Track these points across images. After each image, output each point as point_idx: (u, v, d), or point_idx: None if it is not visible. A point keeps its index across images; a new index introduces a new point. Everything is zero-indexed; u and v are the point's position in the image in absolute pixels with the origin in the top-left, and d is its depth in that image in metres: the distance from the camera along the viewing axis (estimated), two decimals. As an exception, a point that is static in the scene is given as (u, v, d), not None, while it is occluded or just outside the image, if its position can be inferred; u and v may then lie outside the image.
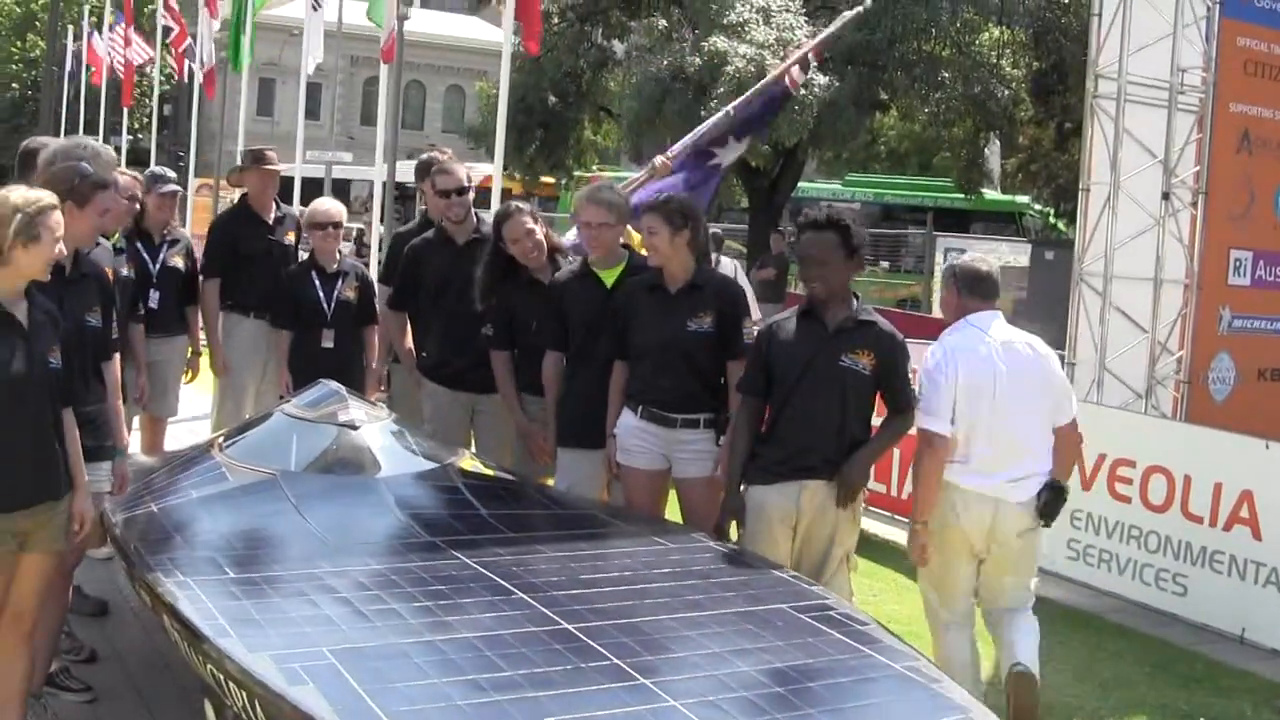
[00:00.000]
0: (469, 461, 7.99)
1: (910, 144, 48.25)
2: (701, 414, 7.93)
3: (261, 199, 11.16)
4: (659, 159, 11.16)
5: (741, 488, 7.52)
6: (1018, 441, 7.57)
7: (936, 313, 29.66)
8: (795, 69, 11.85)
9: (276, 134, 61.74)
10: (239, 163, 12.38)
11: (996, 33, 29.31)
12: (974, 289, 7.75)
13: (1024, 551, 7.76)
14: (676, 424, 7.92)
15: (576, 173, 34.06)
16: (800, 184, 34.59)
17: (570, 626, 5.50)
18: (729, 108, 11.80)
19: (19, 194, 6.20)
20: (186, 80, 41.20)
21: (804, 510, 7.32)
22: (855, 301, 7.42)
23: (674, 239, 7.87)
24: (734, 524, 7.52)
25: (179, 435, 10.91)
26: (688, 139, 11.96)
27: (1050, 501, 7.62)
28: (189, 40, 38.64)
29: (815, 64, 12.12)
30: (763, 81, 12.20)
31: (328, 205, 10.62)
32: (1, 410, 6.05)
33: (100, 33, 49.53)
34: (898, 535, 11.14)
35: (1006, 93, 28.01)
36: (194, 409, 11.74)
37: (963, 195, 35.16)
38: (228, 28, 30.11)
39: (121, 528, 6.96)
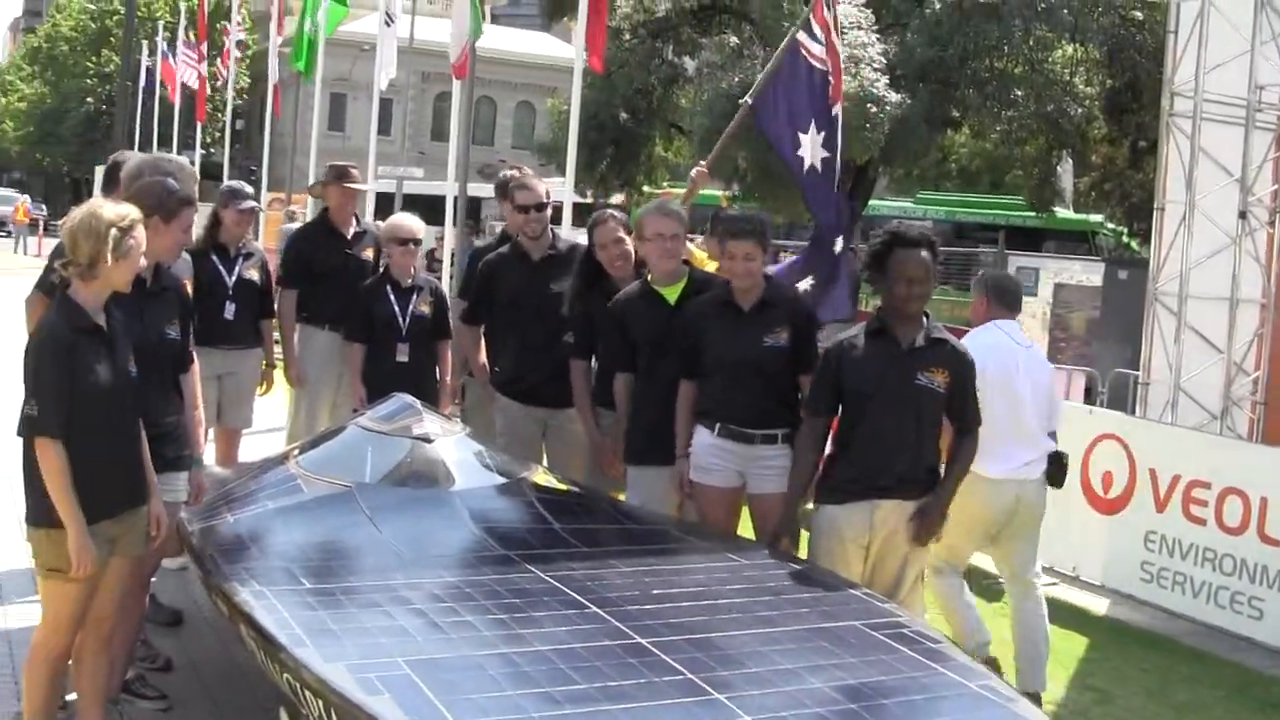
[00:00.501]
0: (542, 476, 8.02)
1: (982, 162, 48.01)
2: (779, 429, 7.86)
3: (341, 214, 11.23)
4: (695, 170, 11.19)
5: (810, 506, 7.52)
6: (1030, 432, 8.57)
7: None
8: (812, 43, 11.54)
9: (348, 149, 62.01)
10: (318, 177, 12.42)
11: (1070, 50, 29.17)
12: (1002, 299, 8.75)
13: (1039, 518, 8.82)
14: (755, 440, 7.87)
15: (646, 188, 34.06)
16: (871, 201, 34.49)
17: (644, 640, 5.51)
18: (746, 99, 11.69)
19: (110, 210, 6.28)
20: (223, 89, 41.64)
21: (877, 530, 7.30)
22: (926, 320, 7.41)
23: (763, 260, 7.93)
24: (786, 541, 7.51)
25: (253, 447, 10.96)
26: (717, 147, 11.95)
27: (1056, 472, 8.76)
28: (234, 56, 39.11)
29: (821, 31, 11.61)
30: (771, 63, 11.94)
31: (409, 221, 10.62)
32: (97, 419, 6.18)
33: (174, 49, 50.14)
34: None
35: (1079, 110, 27.90)
36: (268, 421, 11.79)
37: (1035, 214, 34.95)
38: (292, 43, 30.39)
39: (198, 537, 7.02)
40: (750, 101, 11.41)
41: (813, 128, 11.10)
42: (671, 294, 8.43)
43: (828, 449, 7.58)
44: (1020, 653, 8.67)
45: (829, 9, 11.28)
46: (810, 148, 11.01)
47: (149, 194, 7.13)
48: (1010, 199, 40.05)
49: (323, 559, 6.65)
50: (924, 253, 7.26)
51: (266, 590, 5.95)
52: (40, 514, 6.19)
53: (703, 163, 11.39)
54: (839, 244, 10.87)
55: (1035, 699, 8.14)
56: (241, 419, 10.74)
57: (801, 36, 11.25)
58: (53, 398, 6.07)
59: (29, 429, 6.11)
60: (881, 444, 7.26)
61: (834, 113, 11.11)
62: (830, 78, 11.18)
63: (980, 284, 9.08)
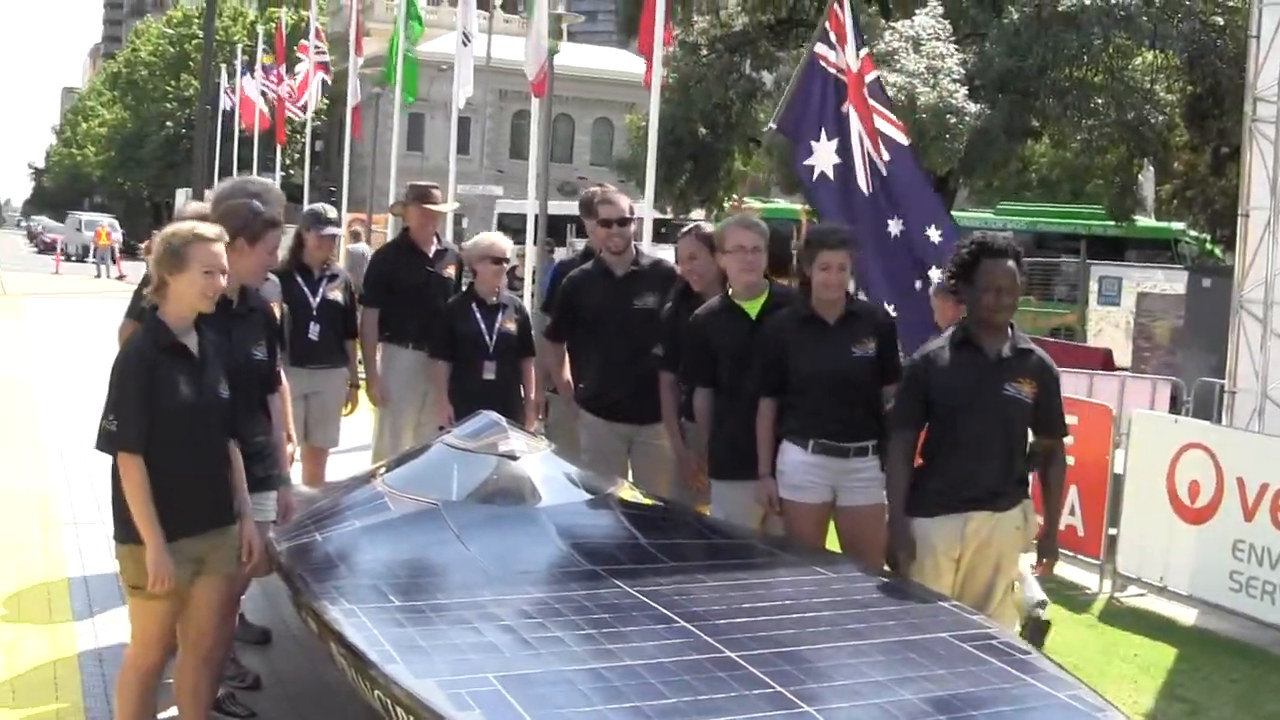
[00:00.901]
0: (628, 491, 8.02)
1: (1062, 171, 47.80)
2: (869, 441, 7.86)
3: (422, 233, 11.26)
4: (729, 205, 11.54)
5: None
6: None
7: (1093, 341, 29.47)
8: (829, 52, 11.71)
9: (426, 168, 62.36)
10: (398, 197, 12.47)
11: (1150, 57, 28.95)
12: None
13: None
14: (849, 454, 7.87)
15: (726, 204, 34.04)
16: (951, 212, 34.33)
17: (733, 654, 5.52)
18: (771, 124, 11.87)
19: (172, 227, 6.41)
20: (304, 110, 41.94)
21: (968, 541, 7.26)
22: (1012, 330, 7.38)
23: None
24: (904, 555, 7.41)
25: (338, 466, 11.03)
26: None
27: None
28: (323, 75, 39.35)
29: (837, 36, 11.90)
30: (791, 83, 12.26)
31: (502, 240, 10.64)
32: (179, 436, 6.24)
33: (252, 73, 50.56)
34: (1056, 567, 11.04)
35: (1160, 118, 27.67)
36: (353, 439, 11.86)
37: (1116, 223, 34.73)
38: (379, 64, 30.59)
39: (287, 556, 7.06)
40: (774, 126, 11.72)
41: (823, 135, 11.34)
42: (753, 308, 8.45)
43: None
44: None
45: (841, 9, 11.42)
46: (821, 155, 11.26)
47: (234, 216, 7.22)
48: (1091, 208, 39.86)
49: (411, 576, 6.69)
50: (1010, 262, 7.24)
51: (356, 608, 5.99)
52: (124, 530, 6.27)
53: (739, 198, 11.68)
54: (934, 232, 11.10)
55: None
56: (328, 438, 10.81)
57: (819, 49, 11.52)
58: (132, 413, 6.16)
59: (107, 443, 6.20)
60: (971, 456, 7.23)
61: (844, 111, 11.31)
62: (843, 78, 11.38)
63: (943, 290, 9.16)
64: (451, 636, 5.69)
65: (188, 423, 6.27)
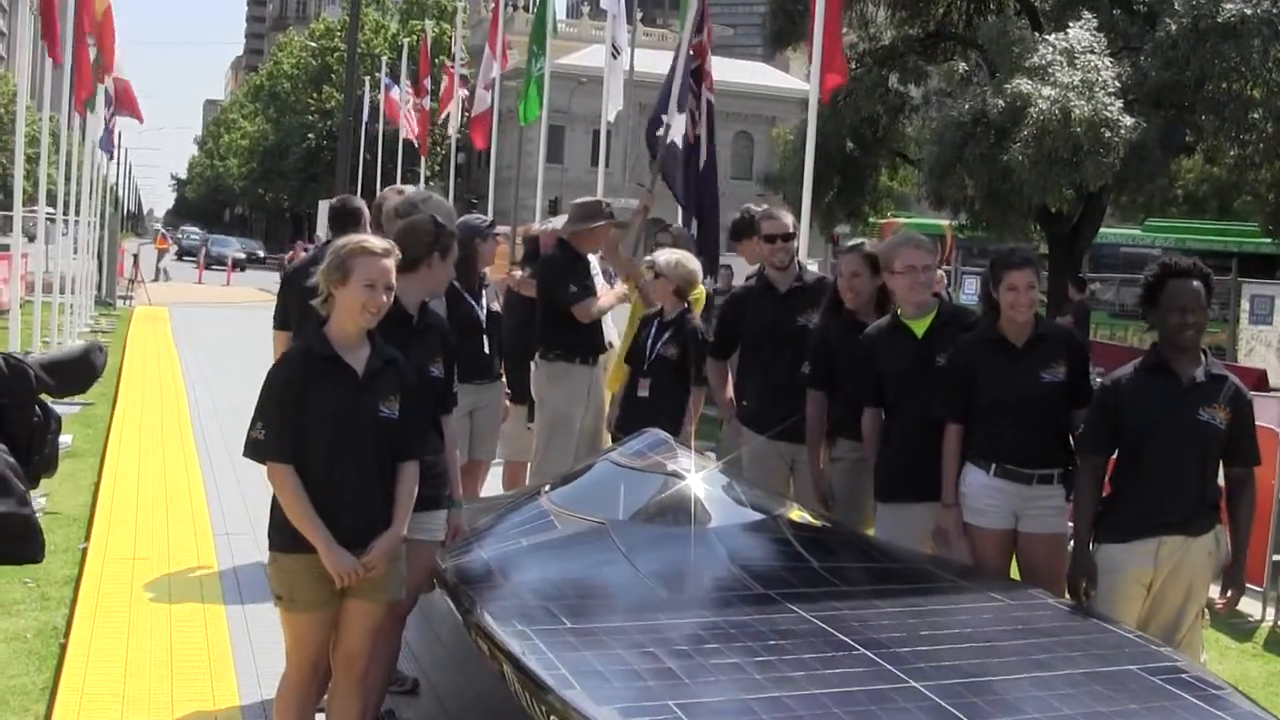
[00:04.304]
0: (796, 512, 7.85)
1: (1209, 188, 47.06)
2: (1055, 469, 7.70)
3: (591, 250, 11.08)
4: (644, 195, 12.92)
5: (1090, 546, 7.32)
6: None
7: (1243, 360, 28.96)
8: (695, 37, 14.00)
9: (567, 181, 62.71)
10: (552, 213, 12.39)
11: (1310, 70, 28.31)
12: None
13: None
14: (1032, 480, 7.70)
15: (872, 219, 33.75)
16: (1100, 229, 33.82)
17: (918, 684, 5.36)
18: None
19: (345, 238, 6.37)
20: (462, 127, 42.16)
21: (1160, 566, 7.11)
22: (1205, 356, 7.21)
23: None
24: (1087, 583, 7.28)
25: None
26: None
27: None
28: (464, 91, 39.53)
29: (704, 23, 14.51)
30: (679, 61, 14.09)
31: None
32: (320, 449, 6.15)
33: (398, 85, 50.99)
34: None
35: (1319, 133, 27.02)
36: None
37: (1269, 240, 34.11)
38: (518, 77, 30.74)
39: (453, 574, 6.97)
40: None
41: (673, 107, 13.58)
42: (919, 327, 8.33)
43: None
44: None
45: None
46: (674, 127, 13.53)
47: (423, 230, 7.16)
48: (1243, 225, 39.23)
49: (580, 597, 6.60)
50: (1195, 282, 7.11)
51: (528, 630, 5.87)
52: (271, 537, 6.27)
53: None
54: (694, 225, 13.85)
55: None
56: (489, 451, 10.67)
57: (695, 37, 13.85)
58: (277, 423, 6.14)
59: (254, 451, 6.20)
60: (1165, 482, 7.08)
61: (705, 98, 13.93)
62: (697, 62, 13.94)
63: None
64: (628, 661, 5.57)
65: (333, 437, 6.18)
